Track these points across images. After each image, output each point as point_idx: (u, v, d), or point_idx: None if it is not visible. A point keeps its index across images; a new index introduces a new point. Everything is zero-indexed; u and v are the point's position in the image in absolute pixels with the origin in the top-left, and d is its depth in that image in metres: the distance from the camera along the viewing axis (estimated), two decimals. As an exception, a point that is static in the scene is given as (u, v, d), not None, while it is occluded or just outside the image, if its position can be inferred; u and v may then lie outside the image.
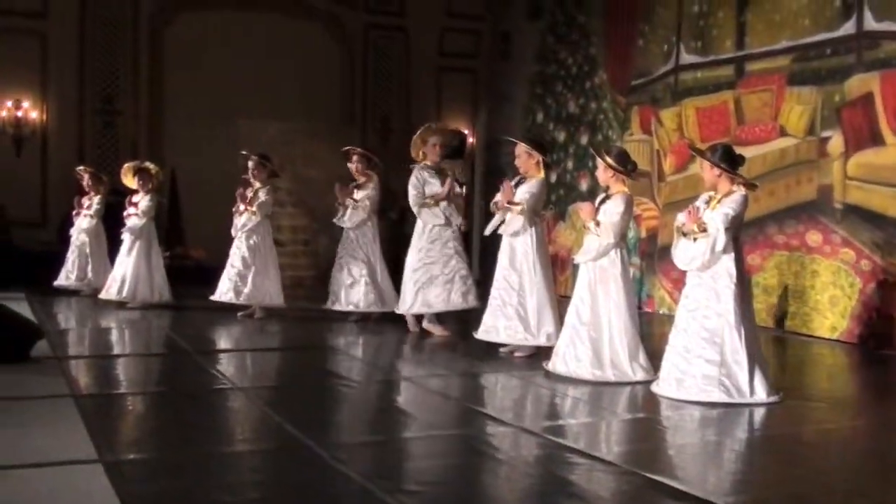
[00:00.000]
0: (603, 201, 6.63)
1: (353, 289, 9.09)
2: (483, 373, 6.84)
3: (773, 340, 8.94)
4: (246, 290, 9.39)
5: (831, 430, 5.51)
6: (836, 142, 8.88)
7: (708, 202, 5.95)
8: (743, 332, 5.77)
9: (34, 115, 12.98)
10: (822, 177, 9.01)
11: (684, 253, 5.92)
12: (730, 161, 5.90)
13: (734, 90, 10.03)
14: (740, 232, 6.04)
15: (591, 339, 6.43)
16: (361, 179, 9.19)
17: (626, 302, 6.47)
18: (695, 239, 5.83)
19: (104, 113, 13.47)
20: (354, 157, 9.27)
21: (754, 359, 5.81)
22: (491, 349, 7.48)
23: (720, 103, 10.21)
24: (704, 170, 6.02)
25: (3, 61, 12.76)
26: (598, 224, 6.48)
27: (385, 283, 9.22)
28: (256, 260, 9.47)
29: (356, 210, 9.08)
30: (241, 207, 9.44)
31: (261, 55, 13.79)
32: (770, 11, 9.61)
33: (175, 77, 13.67)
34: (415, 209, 8.43)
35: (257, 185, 9.48)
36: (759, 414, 5.65)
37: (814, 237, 9.05)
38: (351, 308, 9.13)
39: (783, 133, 9.44)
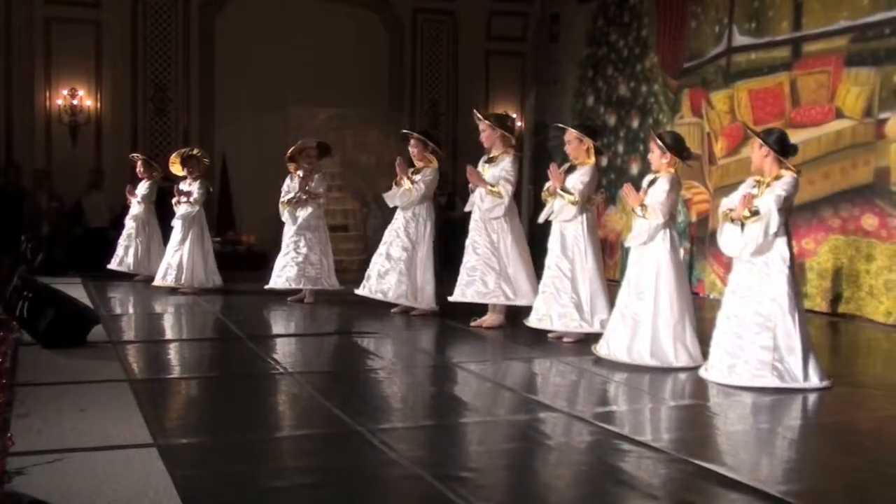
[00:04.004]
0: (651, 184, 6.58)
1: (387, 276, 8.77)
2: (533, 358, 6.82)
3: (827, 325, 8.80)
4: (308, 275, 9.49)
5: (887, 418, 5.41)
6: (893, 124, 8.69)
7: (755, 187, 5.89)
8: (797, 316, 5.70)
9: (89, 103, 13.17)
10: (879, 160, 8.83)
11: (734, 240, 5.85)
12: (782, 146, 5.85)
13: (789, 72, 9.85)
14: (790, 216, 5.96)
15: (639, 323, 6.39)
16: (420, 164, 8.93)
17: (675, 284, 6.40)
18: (742, 226, 5.76)
19: (156, 100, 13.65)
20: (412, 141, 8.99)
21: (808, 343, 5.74)
22: (538, 335, 7.46)
23: (775, 85, 10.03)
24: (754, 150, 5.96)
25: (59, 50, 12.98)
26: (644, 208, 6.43)
27: (424, 277, 8.75)
28: (315, 245, 9.57)
29: (409, 191, 8.74)
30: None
31: (310, 41, 13.85)
32: (827, -9, 9.41)
33: (226, 64, 13.79)
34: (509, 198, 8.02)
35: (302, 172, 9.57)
36: (812, 400, 5.59)
37: (870, 221, 8.88)
38: (379, 296, 8.76)
39: (839, 115, 9.25)
